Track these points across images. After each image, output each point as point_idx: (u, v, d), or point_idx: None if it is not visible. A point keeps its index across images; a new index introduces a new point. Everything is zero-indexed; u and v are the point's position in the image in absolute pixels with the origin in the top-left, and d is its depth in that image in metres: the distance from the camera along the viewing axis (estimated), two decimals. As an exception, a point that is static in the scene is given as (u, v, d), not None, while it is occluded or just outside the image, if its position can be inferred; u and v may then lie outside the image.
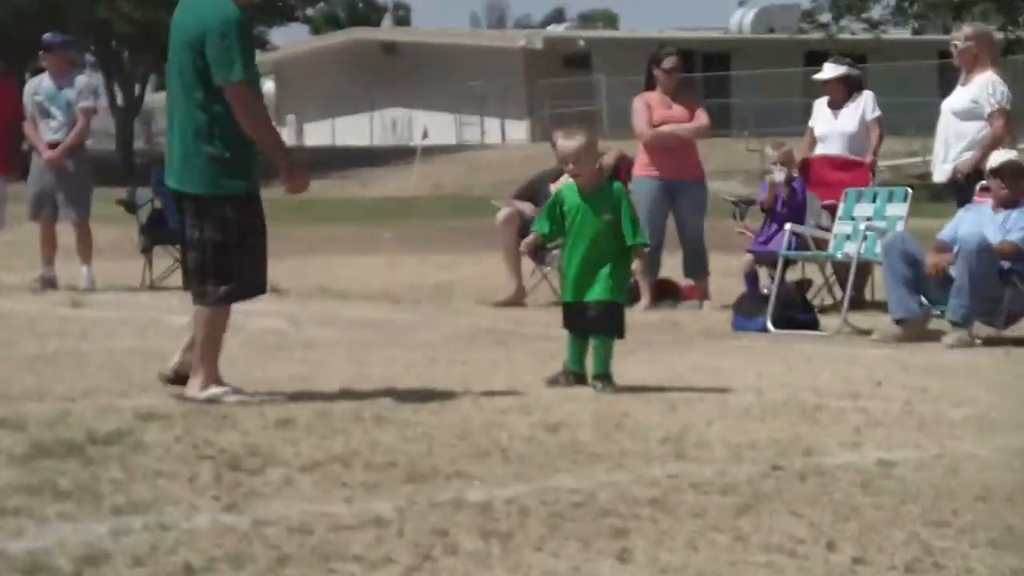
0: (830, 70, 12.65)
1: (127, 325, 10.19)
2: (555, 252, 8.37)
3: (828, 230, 11.41)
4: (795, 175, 11.71)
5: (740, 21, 49.46)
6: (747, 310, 10.71)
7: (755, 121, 36.85)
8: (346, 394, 7.00)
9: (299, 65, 53.11)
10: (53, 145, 13.21)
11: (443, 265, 16.53)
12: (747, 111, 39.55)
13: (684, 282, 12.48)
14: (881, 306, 10.84)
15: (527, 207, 12.47)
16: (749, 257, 11.58)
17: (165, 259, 13.62)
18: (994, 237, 9.73)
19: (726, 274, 12.54)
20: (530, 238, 7.82)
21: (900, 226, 10.77)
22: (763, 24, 48.23)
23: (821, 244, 11.33)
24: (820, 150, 12.54)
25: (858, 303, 11.33)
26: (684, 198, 12.14)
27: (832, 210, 11.59)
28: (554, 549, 4.37)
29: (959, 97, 11.28)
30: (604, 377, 7.30)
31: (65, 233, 13.51)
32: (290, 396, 6.92)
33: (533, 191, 12.74)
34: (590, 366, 7.38)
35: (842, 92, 12.53)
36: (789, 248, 11.02)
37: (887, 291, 10.13)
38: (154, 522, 4.51)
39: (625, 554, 4.33)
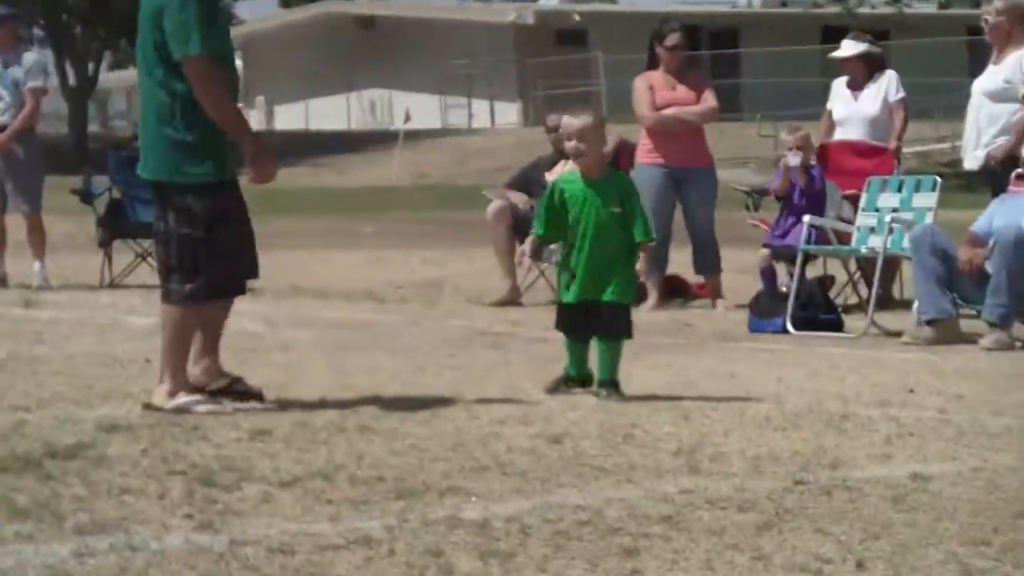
0: (849, 47, 12.66)
1: (86, 327, 10.19)
2: (553, 247, 8.30)
3: (850, 222, 11.39)
4: (813, 162, 11.65)
5: (750, -7, 49.67)
6: (764, 310, 10.71)
7: (767, 104, 36.89)
8: (327, 403, 7.00)
9: (268, 42, 53.14)
10: (0, 129, 13.21)
11: (430, 261, 16.57)
12: (759, 92, 39.65)
13: (694, 279, 12.48)
14: (911, 304, 10.85)
15: (520, 198, 12.48)
16: (766, 252, 11.46)
17: (126, 254, 13.55)
18: (1032, 229, 9.76)
19: (740, 270, 12.56)
20: (528, 244, 7.61)
21: (929, 218, 10.79)
22: (776, -4, 48.43)
23: (843, 238, 11.29)
24: (839, 135, 12.54)
25: (885, 302, 11.35)
26: (691, 188, 12.13)
27: (854, 201, 11.58)
28: (558, 570, 4.39)
29: (991, 77, 11.31)
30: (611, 384, 7.29)
31: (15, 226, 13.50)
32: (266, 405, 6.92)
33: (527, 180, 12.75)
34: (595, 369, 7.38)
35: (863, 71, 12.55)
36: (808, 242, 10.98)
37: (916, 289, 10.15)
38: (122, 542, 4.51)
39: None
